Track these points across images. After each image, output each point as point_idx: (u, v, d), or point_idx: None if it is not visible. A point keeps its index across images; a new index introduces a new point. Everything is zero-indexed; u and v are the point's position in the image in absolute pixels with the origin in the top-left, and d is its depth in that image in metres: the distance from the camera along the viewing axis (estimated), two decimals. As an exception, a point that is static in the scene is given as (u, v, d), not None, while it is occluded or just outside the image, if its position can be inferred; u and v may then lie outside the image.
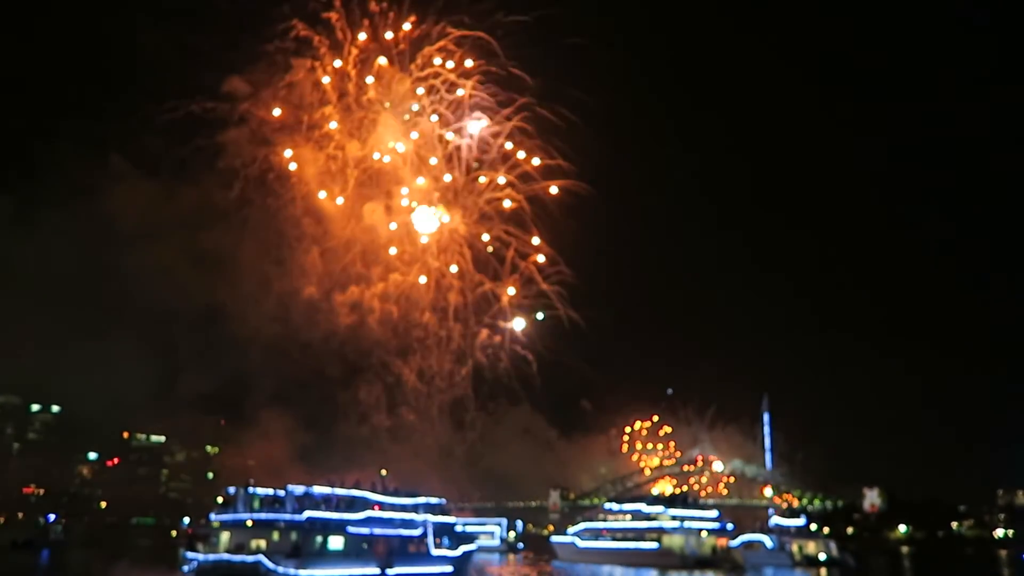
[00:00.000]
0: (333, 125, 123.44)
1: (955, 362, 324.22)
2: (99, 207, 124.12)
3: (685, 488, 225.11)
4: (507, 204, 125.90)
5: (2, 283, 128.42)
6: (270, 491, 69.76)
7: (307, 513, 66.92)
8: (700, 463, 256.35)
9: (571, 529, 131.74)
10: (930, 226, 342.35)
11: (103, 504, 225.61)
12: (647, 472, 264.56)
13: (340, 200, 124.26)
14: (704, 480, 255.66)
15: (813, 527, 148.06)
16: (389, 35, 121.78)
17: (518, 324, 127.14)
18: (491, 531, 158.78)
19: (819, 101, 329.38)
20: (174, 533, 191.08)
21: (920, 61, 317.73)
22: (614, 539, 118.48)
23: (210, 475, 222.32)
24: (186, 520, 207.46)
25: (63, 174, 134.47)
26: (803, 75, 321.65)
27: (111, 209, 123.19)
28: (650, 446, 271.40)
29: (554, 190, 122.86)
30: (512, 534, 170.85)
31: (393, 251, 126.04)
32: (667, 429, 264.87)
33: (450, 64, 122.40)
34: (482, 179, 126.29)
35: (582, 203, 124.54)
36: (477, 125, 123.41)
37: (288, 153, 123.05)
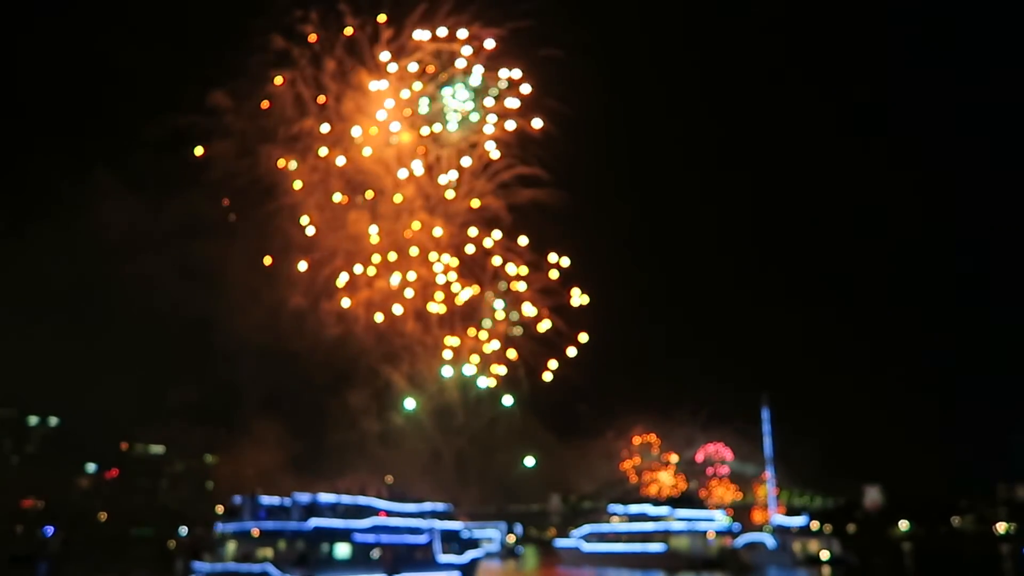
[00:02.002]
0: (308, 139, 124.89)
1: (955, 356, 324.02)
2: (88, 221, 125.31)
3: (688, 488, 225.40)
4: (491, 211, 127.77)
5: None
6: (276, 500, 69.57)
7: (313, 521, 66.77)
8: (701, 463, 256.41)
9: (575, 532, 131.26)
10: (931, 228, 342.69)
11: (102, 516, 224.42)
12: (646, 476, 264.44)
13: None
14: (698, 481, 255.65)
15: (815, 526, 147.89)
16: (365, 46, 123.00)
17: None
18: (490, 535, 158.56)
19: (808, 101, 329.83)
20: (172, 544, 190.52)
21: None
22: (620, 542, 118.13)
23: (209, 485, 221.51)
24: (183, 530, 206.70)
25: (51, 190, 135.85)
26: (791, 79, 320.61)
27: (100, 224, 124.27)
28: (644, 439, 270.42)
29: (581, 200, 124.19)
30: (512, 538, 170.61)
31: (377, 258, 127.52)
32: (665, 428, 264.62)
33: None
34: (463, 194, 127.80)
35: (567, 210, 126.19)
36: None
37: (272, 165, 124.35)
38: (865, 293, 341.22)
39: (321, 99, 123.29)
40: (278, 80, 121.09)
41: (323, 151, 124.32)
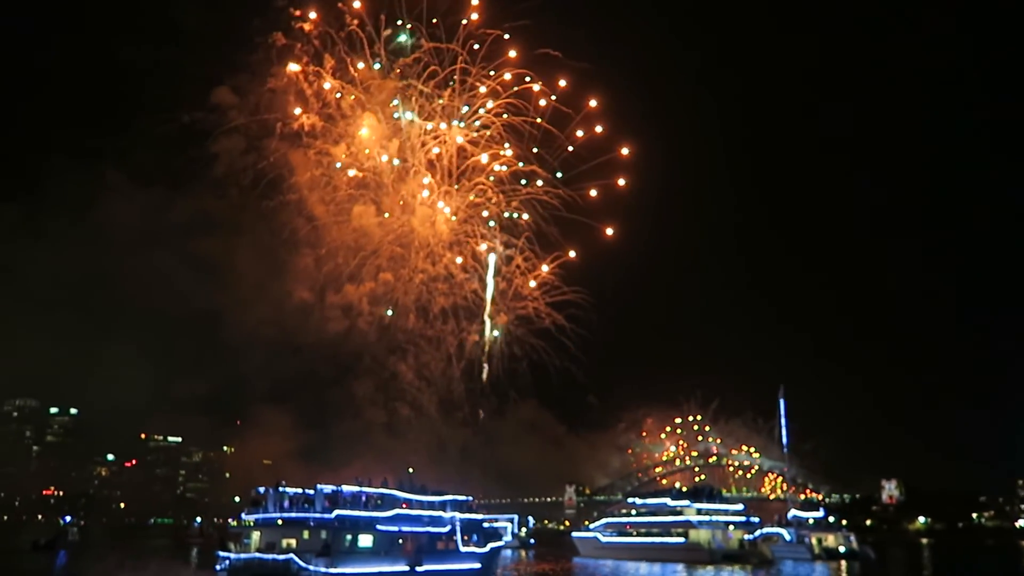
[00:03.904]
0: (317, 131, 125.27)
1: (972, 352, 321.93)
2: (98, 217, 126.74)
3: (701, 481, 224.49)
4: (487, 211, 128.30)
5: (16, 289, 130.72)
6: (299, 490, 69.77)
7: (336, 512, 66.87)
8: (715, 456, 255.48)
9: (593, 524, 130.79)
10: (943, 223, 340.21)
11: (122, 505, 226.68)
12: (659, 468, 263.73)
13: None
14: (714, 474, 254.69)
15: (831, 519, 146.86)
16: (367, 43, 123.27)
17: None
18: (503, 527, 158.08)
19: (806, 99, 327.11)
20: (190, 532, 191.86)
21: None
22: (639, 534, 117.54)
23: (227, 475, 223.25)
24: (198, 520, 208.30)
25: (63, 186, 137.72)
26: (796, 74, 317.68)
27: (110, 219, 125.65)
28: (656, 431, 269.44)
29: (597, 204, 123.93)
30: (524, 530, 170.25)
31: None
32: (677, 420, 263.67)
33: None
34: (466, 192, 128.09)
35: (573, 206, 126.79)
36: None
37: (278, 160, 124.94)
38: (884, 291, 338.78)
39: (323, 95, 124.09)
40: (280, 77, 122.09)
41: (326, 146, 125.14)
